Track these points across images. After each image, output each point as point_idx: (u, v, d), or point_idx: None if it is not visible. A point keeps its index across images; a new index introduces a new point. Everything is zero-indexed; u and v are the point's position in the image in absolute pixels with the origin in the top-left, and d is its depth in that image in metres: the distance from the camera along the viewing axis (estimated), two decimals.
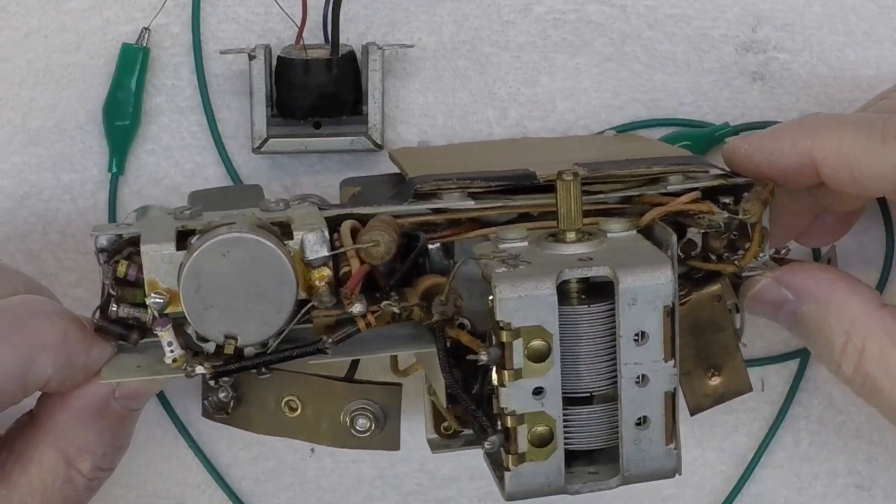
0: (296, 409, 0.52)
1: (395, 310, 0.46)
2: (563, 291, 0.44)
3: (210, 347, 0.47)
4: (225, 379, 0.47)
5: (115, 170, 0.60)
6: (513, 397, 0.44)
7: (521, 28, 0.61)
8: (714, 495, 0.64)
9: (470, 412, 0.46)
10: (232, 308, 0.45)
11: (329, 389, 0.52)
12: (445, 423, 0.53)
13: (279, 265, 0.45)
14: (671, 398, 0.45)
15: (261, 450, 0.62)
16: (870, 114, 0.51)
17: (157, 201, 0.60)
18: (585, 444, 0.46)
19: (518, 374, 0.44)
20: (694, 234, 0.52)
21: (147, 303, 0.46)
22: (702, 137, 0.60)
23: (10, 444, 0.50)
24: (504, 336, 0.43)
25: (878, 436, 0.63)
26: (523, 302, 0.43)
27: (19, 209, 0.60)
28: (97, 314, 0.48)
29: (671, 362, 0.45)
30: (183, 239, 0.47)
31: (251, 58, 0.58)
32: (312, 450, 0.63)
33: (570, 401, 0.45)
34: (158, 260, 0.46)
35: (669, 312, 0.44)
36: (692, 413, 0.53)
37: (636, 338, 0.44)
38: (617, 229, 0.47)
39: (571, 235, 0.46)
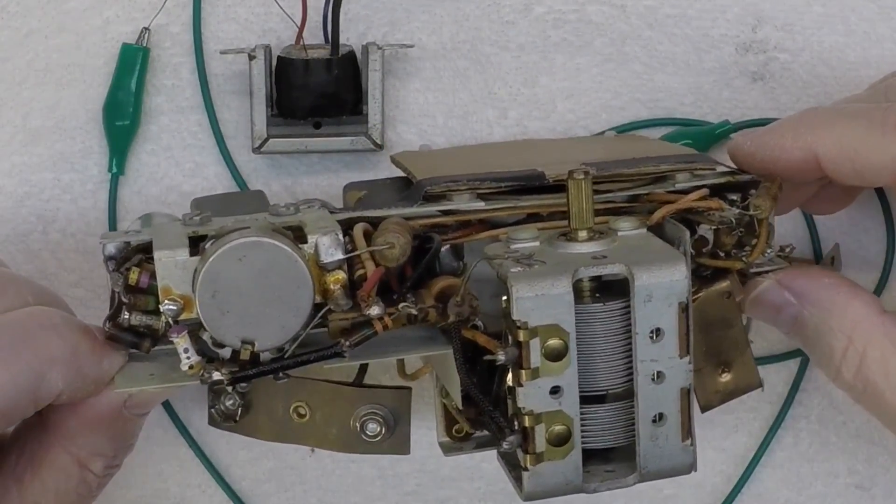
0: (304, 416, 0.52)
1: (413, 311, 0.46)
2: (576, 290, 0.44)
3: (226, 353, 0.46)
4: (243, 385, 0.47)
5: (115, 170, 0.59)
6: (530, 397, 0.44)
7: (522, 28, 0.61)
8: (714, 495, 0.64)
9: (487, 412, 0.46)
10: (248, 313, 0.44)
11: (338, 394, 0.52)
12: (457, 426, 0.52)
13: (296, 269, 0.45)
14: (687, 394, 0.45)
15: (261, 450, 0.62)
16: (869, 105, 0.51)
17: (157, 201, 0.60)
18: (602, 443, 0.46)
19: (535, 374, 0.43)
20: (705, 230, 0.51)
21: (161, 309, 0.45)
22: (702, 135, 0.60)
23: (21, 444, 0.50)
24: (521, 335, 0.43)
25: (879, 436, 0.63)
26: (540, 301, 0.43)
27: (19, 209, 0.60)
28: (108, 323, 0.47)
29: (686, 358, 0.45)
30: (195, 244, 0.46)
31: (251, 58, 0.58)
32: (312, 450, 0.62)
33: (585, 399, 0.45)
34: (172, 266, 0.45)
35: (684, 309, 0.44)
36: (703, 410, 0.53)
37: (652, 335, 0.44)
38: (627, 228, 0.46)
39: (583, 234, 0.46)
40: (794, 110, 0.61)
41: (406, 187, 0.53)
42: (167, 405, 0.61)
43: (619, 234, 0.46)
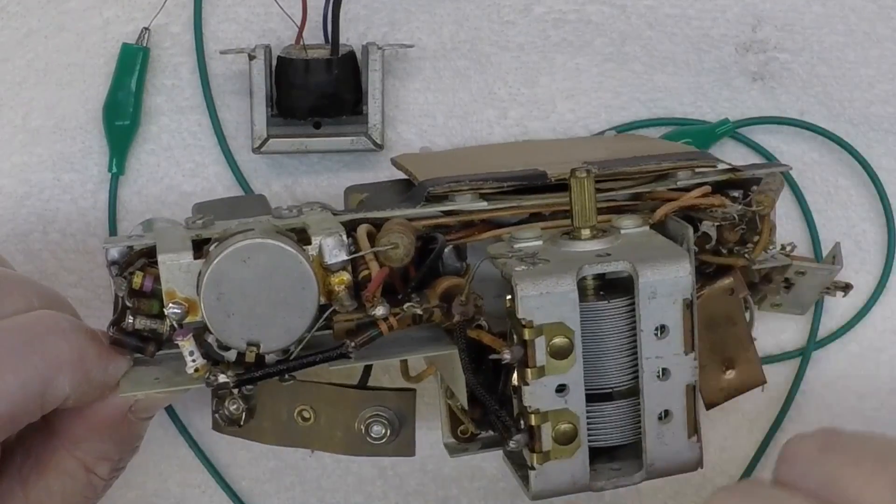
0: (309, 419, 0.52)
1: (419, 311, 0.45)
2: (580, 288, 0.43)
3: (231, 356, 0.46)
4: (249, 387, 0.47)
5: (115, 170, 0.59)
6: (536, 395, 0.44)
7: (521, 28, 0.61)
8: None
9: (493, 411, 0.45)
10: (254, 315, 0.44)
11: (342, 397, 0.52)
12: (462, 427, 0.52)
13: (301, 270, 0.44)
14: (692, 391, 0.45)
15: (261, 450, 0.62)
16: None
17: (157, 201, 0.60)
18: (609, 441, 0.45)
19: (541, 372, 0.43)
20: (708, 227, 0.51)
21: (166, 313, 0.45)
22: (702, 134, 0.60)
23: (26, 447, 0.50)
24: (526, 334, 0.43)
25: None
26: (545, 299, 0.43)
27: (19, 209, 0.60)
28: (112, 328, 0.47)
29: (692, 355, 0.44)
30: (198, 248, 0.46)
31: (251, 58, 0.58)
32: (313, 450, 0.62)
33: (591, 397, 0.44)
34: (176, 269, 0.45)
35: (689, 305, 0.44)
36: (707, 407, 0.52)
37: (657, 332, 0.44)
38: (630, 226, 0.46)
39: (586, 232, 0.45)
40: (794, 110, 0.61)
41: (407, 189, 0.52)
42: (168, 406, 0.61)
43: (622, 231, 0.46)
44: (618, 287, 0.45)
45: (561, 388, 0.44)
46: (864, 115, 0.61)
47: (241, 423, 0.51)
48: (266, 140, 0.58)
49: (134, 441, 0.51)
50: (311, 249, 0.45)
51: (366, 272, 0.46)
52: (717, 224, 0.50)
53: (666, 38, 0.61)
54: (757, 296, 0.56)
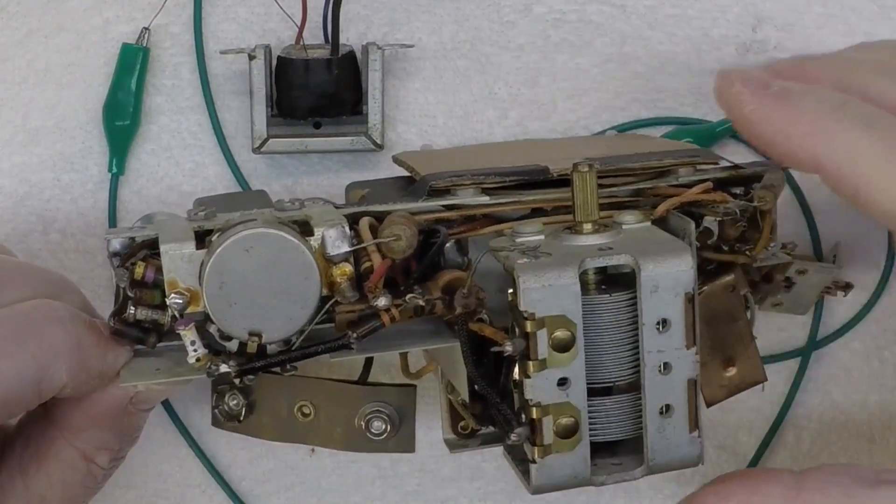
0: (309, 415, 0.51)
1: (421, 303, 0.45)
2: (581, 283, 0.43)
3: (232, 346, 0.45)
4: (250, 377, 0.47)
5: (115, 170, 0.59)
6: (538, 388, 0.43)
7: (522, 28, 0.60)
8: None
9: (494, 404, 0.45)
10: (256, 305, 0.44)
11: (342, 393, 0.51)
12: (462, 423, 0.52)
13: (303, 260, 0.44)
14: (694, 385, 0.45)
15: (261, 450, 0.62)
16: None
17: (157, 201, 0.60)
18: (610, 435, 0.45)
19: (543, 365, 0.43)
20: (709, 222, 0.51)
21: (167, 303, 0.45)
22: (703, 133, 0.60)
23: (26, 437, 0.50)
24: (528, 326, 0.43)
25: (879, 435, 0.63)
26: (547, 291, 0.42)
27: (19, 209, 0.59)
28: (114, 318, 0.47)
29: (693, 349, 0.44)
30: (200, 239, 0.45)
31: (251, 58, 0.57)
32: (313, 450, 0.62)
33: (592, 391, 0.44)
34: (178, 259, 0.45)
35: (690, 299, 0.44)
36: (708, 405, 0.52)
37: (658, 326, 0.44)
38: (631, 221, 0.46)
39: (588, 227, 0.45)
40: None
41: (409, 186, 0.52)
42: (167, 405, 0.61)
43: (624, 226, 0.46)
44: (619, 282, 0.45)
45: (562, 382, 0.43)
46: None
47: (241, 418, 0.51)
48: (266, 140, 0.58)
49: (134, 432, 0.50)
50: (314, 240, 0.45)
51: (368, 264, 0.45)
52: (718, 220, 0.50)
53: (666, 38, 0.60)
54: (757, 295, 0.56)
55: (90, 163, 0.60)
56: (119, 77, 0.58)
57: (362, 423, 0.51)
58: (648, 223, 0.46)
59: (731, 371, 0.52)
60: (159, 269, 0.45)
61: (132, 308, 0.46)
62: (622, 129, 0.60)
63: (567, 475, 0.44)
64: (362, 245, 0.45)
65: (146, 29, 0.58)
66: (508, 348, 0.43)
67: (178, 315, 0.45)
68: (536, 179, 0.50)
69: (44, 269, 0.51)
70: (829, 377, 0.62)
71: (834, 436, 0.63)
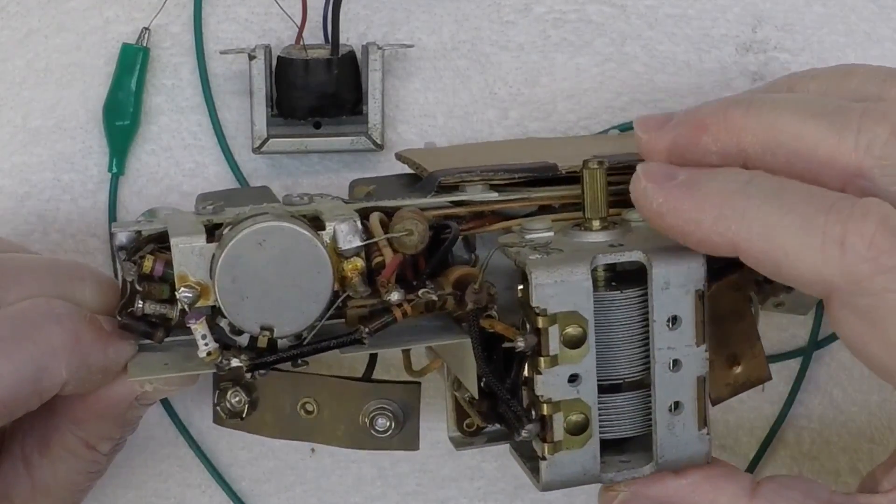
0: (312, 412, 0.51)
1: (433, 298, 0.45)
2: (592, 279, 0.43)
3: (243, 341, 0.45)
4: (261, 372, 0.46)
5: (115, 170, 0.59)
6: (549, 384, 0.43)
7: (522, 28, 0.60)
8: None
9: (504, 401, 0.45)
10: (268, 298, 0.44)
11: (347, 390, 0.51)
12: (468, 420, 0.51)
13: (316, 254, 0.44)
14: (703, 383, 0.45)
15: (261, 450, 0.61)
16: (812, 194, 0.41)
17: (157, 201, 0.60)
18: (619, 432, 0.45)
19: (554, 361, 0.43)
20: None
21: (177, 296, 0.45)
22: None
23: (28, 427, 0.50)
24: (540, 322, 0.43)
25: (880, 435, 0.63)
26: (559, 287, 0.42)
27: (19, 209, 0.59)
28: (121, 313, 0.46)
29: (703, 346, 0.44)
30: (210, 233, 0.45)
31: (251, 58, 0.57)
32: (313, 450, 0.62)
33: (602, 388, 0.44)
34: (189, 253, 0.44)
35: (701, 296, 0.44)
36: (713, 403, 0.52)
37: (669, 322, 0.44)
38: (640, 218, 0.46)
39: (597, 224, 0.45)
40: None
41: (414, 182, 0.52)
42: (167, 405, 0.60)
43: (633, 224, 0.46)
44: (627, 278, 0.44)
45: (573, 378, 0.43)
46: None
47: (244, 415, 0.50)
48: (266, 140, 0.58)
49: (135, 422, 0.51)
50: (325, 235, 0.45)
51: (379, 259, 0.45)
52: None
53: (666, 38, 0.60)
54: (759, 295, 0.56)
55: (90, 163, 0.59)
56: (119, 77, 0.58)
57: (366, 420, 0.51)
58: None
59: (737, 369, 0.52)
60: (168, 263, 0.45)
61: (140, 302, 0.46)
62: (623, 128, 0.60)
63: (576, 472, 0.44)
64: (374, 240, 0.45)
65: (146, 29, 0.58)
66: (520, 344, 0.43)
67: (187, 309, 0.44)
68: (545, 176, 0.50)
69: (53, 261, 0.51)
70: (830, 377, 0.62)
71: (834, 436, 0.63)
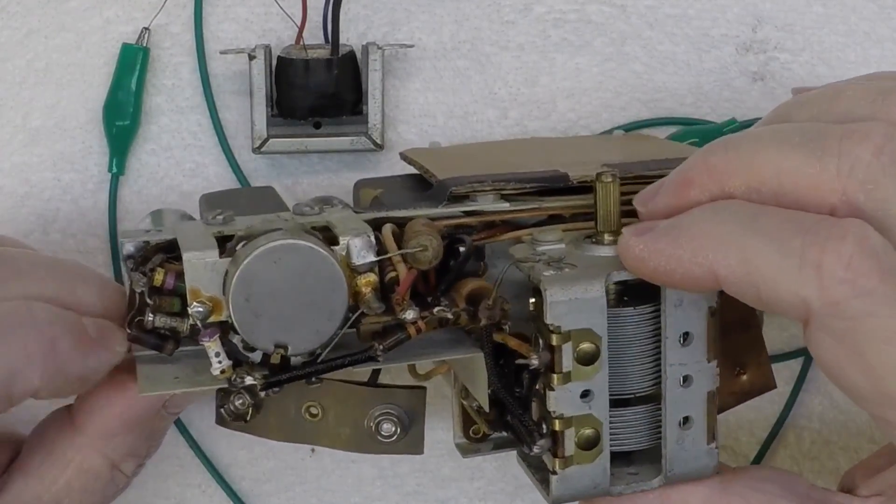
0: (317, 416, 0.50)
1: (448, 315, 0.44)
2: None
3: (256, 357, 0.44)
4: (275, 389, 0.46)
5: (115, 170, 0.58)
6: (561, 400, 0.43)
7: (522, 28, 0.60)
8: None
9: (516, 416, 0.45)
10: (282, 316, 0.43)
11: (352, 394, 0.50)
12: (474, 427, 0.51)
13: (332, 272, 0.43)
14: (713, 398, 0.44)
15: (261, 450, 0.61)
16: (790, 218, 0.40)
17: (157, 201, 0.59)
18: (629, 446, 0.45)
19: (567, 378, 0.42)
20: None
21: (190, 312, 0.43)
22: (710, 134, 0.58)
23: (48, 445, 0.49)
24: (554, 339, 0.42)
25: (880, 436, 0.62)
26: (573, 305, 0.42)
27: (19, 209, 0.59)
28: (131, 325, 0.45)
29: (714, 362, 0.44)
30: (221, 244, 0.44)
31: (251, 58, 0.57)
32: (313, 450, 0.62)
33: (613, 403, 0.44)
34: (201, 268, 0.43)
35: (713, 313, 0.43)
36: (718, 412, 0.52)
37: (681, 339, 0.43)
38: None
39: (609, 237, 0.45)
40: None
41: (420, 185, 0.51)
42: None
43: None
44: (638, 293, 0.44)
45: (585, 394, 0.43)
46: None
47: (247, 418, 0.50)
48: (266, 140, 0.58)
49: (161, 436, 0.50)
50: (339, 250, 0.44)
51: (392, 274, 0.44)
52: None
53: (666, 38, 0.60)
54: None
55: (90, 163, 0.59)
56: (119, 77, 0.58)
57: (372, 424, 0.50)
58: None
59: (742, 378, 0.52)
60: (179, 276, 0.44)
61: (151, 315, 0.45)
62: (627, 128, 0.60)
63: (587, 485, 0.44)
64: (388, 255, 0.44)
65: (146, 29, 0.58)
66: (534, 362, 0.43)
67: (199, 325, 0.43)
68: (556, 186, 0.49)
69: (56, 260, 0.50)
70: None
71: (834, 436, 0.63)
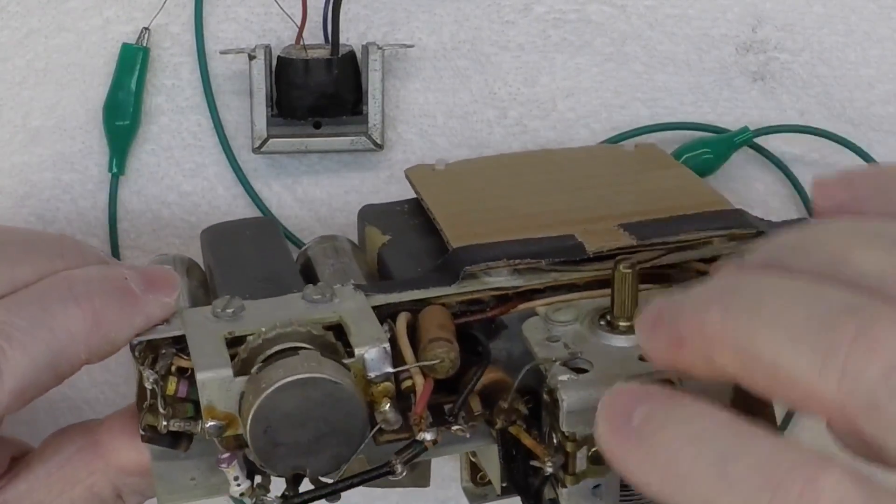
0: None
1: (466, 436, 0.44)
2: None
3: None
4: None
5: (115, 170, 0.58)
6: (573, 496, 0.43)
7: (521, 28, 0.60)
8: None
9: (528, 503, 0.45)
10: (301, 444, 0.42)
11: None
12: (481, 473, 0.51)
13: (352, 403, 0.42)
14: None
15: None
16: (771, 458, 0.33)
17: (157, 201, 0.59)
18: None
19: (580, 478, 0.43)
20: None
21: (205, 428, 0.43)
22: (721, 144, 0.59)
23: (65, 457, 0.48)
24: (569, 447, 0.42)
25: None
26: (590, 413, 0.40)
27: (19, 209, 0.59)
28: (144, 428, 0.44)
29: None
30: (232, 346, 0.43)
31: (251, 58, 0.57)
32: None
33: (623, 486, 0.44)
34: (216, 388, 0.42)
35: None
36: None
37: None
38: None
39: (625, 324, 0.44)
40: (793, 110, 0.60)
41: (428, 227, 0.51)
42: None
43: None
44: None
45: (597, 487, 0.43)
46: (864, 116, 0.61)
47: None
48: (266, 140, 0.58)
49: None
50: (355, 362, 0.43)
51: (409, 383, 0.44)
52: None
53: (666, 38, 0.60)
54: None
55: (90, 163, 0.59)
56: (119, 77, 0.58)
57: None
58: None
59: None
60: (192, 382, 0.43)
61: (164, 421, 0.44)
62: (631, 135, 0.59)
63: None
64: (405, 367, 0.44)
65: (146, 29, 0.58)
66: (549, 469, 0.43)
67: (216, 441, 0.43)
68: (572, 259, 0.48)
69: (61, 237, 0.49)
70: None
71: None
